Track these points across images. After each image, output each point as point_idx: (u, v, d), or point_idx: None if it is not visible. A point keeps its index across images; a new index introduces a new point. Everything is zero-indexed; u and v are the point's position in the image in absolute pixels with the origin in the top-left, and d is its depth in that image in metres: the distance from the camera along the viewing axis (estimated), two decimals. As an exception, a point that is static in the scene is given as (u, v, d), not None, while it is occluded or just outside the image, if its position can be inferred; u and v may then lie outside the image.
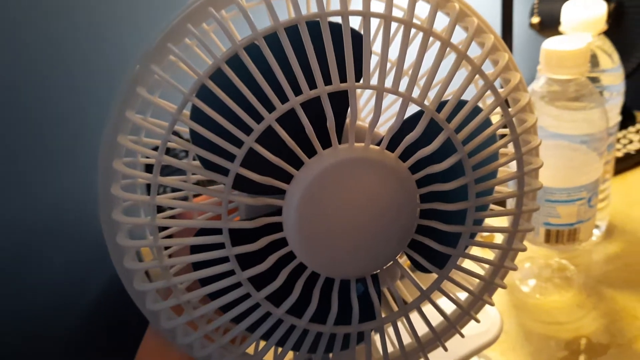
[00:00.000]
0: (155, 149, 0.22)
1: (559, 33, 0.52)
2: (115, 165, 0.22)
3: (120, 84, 0.22)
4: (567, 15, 0.52)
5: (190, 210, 0.25)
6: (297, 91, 0.21)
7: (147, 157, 0.25)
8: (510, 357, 0.48)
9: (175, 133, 0.23)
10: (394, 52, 0.24)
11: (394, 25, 0.24)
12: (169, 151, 0.53)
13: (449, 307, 0.27)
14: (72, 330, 0.66)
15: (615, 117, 0.55)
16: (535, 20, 0.72)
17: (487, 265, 0.27)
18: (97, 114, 0.62)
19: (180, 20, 0.22)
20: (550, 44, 0.45)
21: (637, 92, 0.66)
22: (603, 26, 0.52)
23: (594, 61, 0.53)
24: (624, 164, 0.72)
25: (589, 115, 0.47)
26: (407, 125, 0.22)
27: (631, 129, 0.78)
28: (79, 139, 0.63)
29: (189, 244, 0.22)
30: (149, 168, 0.24)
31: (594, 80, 0.54)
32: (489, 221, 0.27)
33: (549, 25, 0.75)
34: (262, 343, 0.25)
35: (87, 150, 0.63)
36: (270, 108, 0.21)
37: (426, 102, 0.22)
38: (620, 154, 0.73)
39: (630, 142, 0.75)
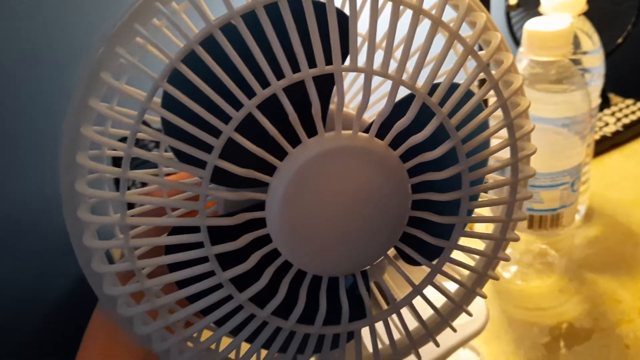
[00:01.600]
0: (124, 140, 0.20)
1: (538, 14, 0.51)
2: (79, 159, 0.20)
3: (82, 69, 0.20)
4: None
5: (164, 205, 0.24)
6: (279, 75, 0.19)
7: (115, 150, 0.23)
8: (494, 345, 0.47)
9: (145, 122, 0.21)
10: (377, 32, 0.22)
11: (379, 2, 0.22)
12: (137, 142, 0.51)
13: (438, 299, 0.26)
14: (35, 328, 0.64)
15: (596, 100, 0.55)
16: (513, 0, 0.71)
17: (477, 256, 0.26)
18: (65, 106, 0.60)
19: (147, -2, 0.20)
20: (533, 25, 0.44)
21: (611, 74, 0.66)
22: (583, 7, 0.51)
23: (575, 42, 0.52)
24: (600, 147, 0.72)
25: (570, 97, 0.46)
26: (395, 110, 0.21)
27: (606, 111, 0.78)
28: (45, 131, 0.60)
29: (164, 243, 0.20)
30: (117, 161, 0.22)
31: (575, 62, 0.53)
32: (478, 210, 0.26)
33: (525, 5, 0.74)
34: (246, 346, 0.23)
35: (54, 142, 0.60)
36: (250, 94, 0.19)
37: (416, 86, 0.21)
38: (597, 137, 0.73)
39: (606, 124, 0.75)
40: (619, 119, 0.76)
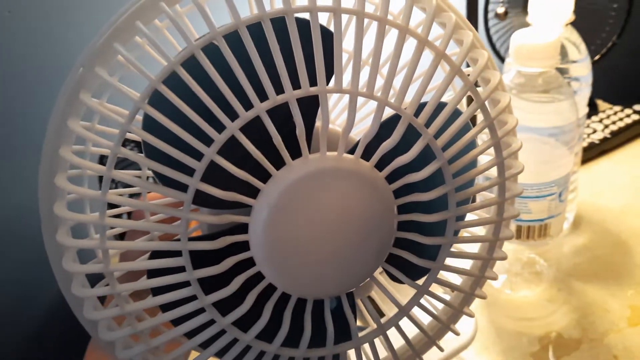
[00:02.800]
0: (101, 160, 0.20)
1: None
2: (58, 181, 0.19)
3: (62, 89, 0.20)
4: (535, 5, 0.51)
5: (145, 229, 0.23)
6: (263, 96, 0.19)
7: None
8: (484, 356, 0.47)
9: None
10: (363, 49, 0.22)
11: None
12: (123, 161, 0.51)
13: (425, 318, 0.26)
14: (19, 341, 0.63)
15: (583, 109, 0.55)
16: (501, 9, 0.71)
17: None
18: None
19: (128, 16, 0.19)
20: (521, 36, 0.43)
21: (599, 80, 0.66)
22: (570, 17, 0.51)
23: (562, 52, 0.52)
24: (588, 154, 0.72)
25: (558, 107, 0.46)
26: (380, 128, 0.21)
27: (594, 118, 0.79)
28: (31, 142, 0.59)
29: (146, 268, 0.20)
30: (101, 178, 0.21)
31: (563, 71, 0.53)
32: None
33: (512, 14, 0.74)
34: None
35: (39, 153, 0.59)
36: (233, 116, 0.18)
37: (402, 106, 0.20)
38: (584, 144, 0.73)
39: (594, 131, 0.75)
40: (606, 126, 0.76)
